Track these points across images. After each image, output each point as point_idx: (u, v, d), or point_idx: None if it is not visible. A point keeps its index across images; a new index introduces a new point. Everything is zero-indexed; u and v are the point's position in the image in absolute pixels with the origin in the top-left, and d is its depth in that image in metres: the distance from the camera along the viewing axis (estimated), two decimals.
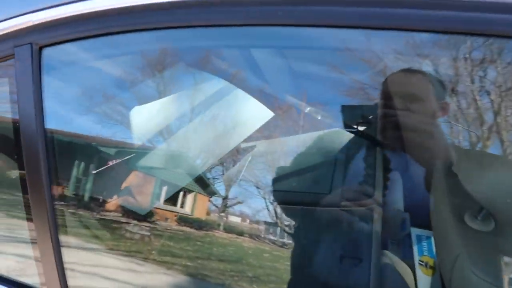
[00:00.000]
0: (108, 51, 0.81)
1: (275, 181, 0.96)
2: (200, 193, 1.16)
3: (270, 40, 0.87)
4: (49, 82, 0.68)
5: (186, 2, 0.63)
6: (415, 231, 0.78)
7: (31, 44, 0.65)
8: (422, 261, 0.75)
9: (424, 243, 0.76)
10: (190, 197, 1.15)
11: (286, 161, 1.00)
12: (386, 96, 0.89)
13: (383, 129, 0.88)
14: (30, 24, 0.63)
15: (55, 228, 0.68)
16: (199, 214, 1.18)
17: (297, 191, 0.94)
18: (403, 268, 0.76)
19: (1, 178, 0.85)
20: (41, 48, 0.66)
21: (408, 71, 0.86)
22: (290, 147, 1.01)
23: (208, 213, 1.20)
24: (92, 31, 0.65)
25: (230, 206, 1.11)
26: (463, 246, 0.69)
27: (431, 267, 0.75)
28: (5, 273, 0.76)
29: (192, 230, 1.14)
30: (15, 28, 0.64)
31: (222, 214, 1.15)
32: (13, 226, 0.84)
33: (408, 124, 0.85)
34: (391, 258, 0.78)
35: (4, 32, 0.65)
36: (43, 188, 0.67)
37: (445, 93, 0.84)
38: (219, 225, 1.15)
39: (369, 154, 0.90)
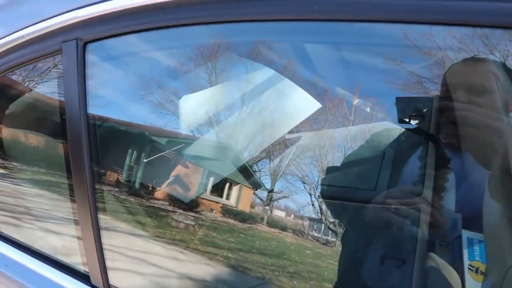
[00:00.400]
0: (146, 46, 0.83)
1: (320, 174, 0.92)
2: (245, 185, 1.15)
3: (327, 35, 0.84)
4: (92, 75, 0.70)
5: None
6: (466, 234, 0.70)
7: (77, 39, 0.68)
8: (472, 266, 0.68)
9: (476, 247, 0.69)
10: (235, 189, 1.14)
11: (332, 155, 0.96)
12: (447, 88, 0.82)
13: (439, 124, 0.81)
14: (76, 20, 0.66)
15: (95, 211, 0.71)
16: (244, 206, 1.17)
17: (342, 186, 0.90)
18: (449, 272, 0.69)
19: (50, 163, 0.89)
20: (85, 44, 0.69)
21: (473, 60, 0.77)
22: (337, 140, 0.97)
23: (252, 206, 1.19)
24: (133, 27, 0.66)
25: (275, 199, 1.09)
26: None
27: (482, 273, 0.68)
28: (52, 253, 0.80)
29: (236, 222, 1.14)
30: (62, 25, 0.67)
31: (267, 207, 1.14)
32: (61, 208, 0.88)
33: (470, 119, 0.77)
34: (437, 261, 0.72)
35: (53, 28, 0.68)
36: (85, 174, 0.69)
37: None
38: (262, 218, 1.13)
39: (420, 150, 0.84)
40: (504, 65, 0.77)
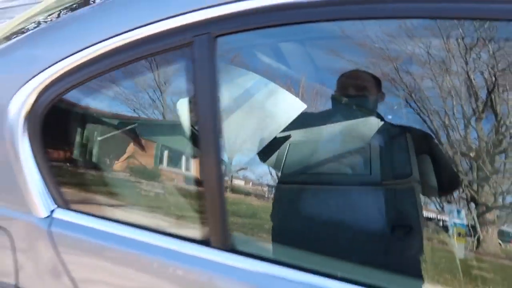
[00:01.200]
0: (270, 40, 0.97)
1: (316, 166, 1.04)
2: None
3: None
4: (221, 67, 0.81)
5: None
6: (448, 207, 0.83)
7: (209, 33, 0.78)
8: (456, 232, 0.80)
9: (456, 217, 0.81)
10: None
11: (325, 148, 1.07)
12: (342, 86, 1.03)
13: None
14: (209, 16, 0.76)
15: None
16: None
17: (340, 173, 1.02)
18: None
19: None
20: (216, 37, 0.80)
21: (357, 70, 1.00)
22: (326, 135, 1.08)
23: None
24: (261, 23, 0.76)
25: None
26: None
27: (463, 236, 0.79)
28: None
29: None
30: (196, 19, 0.77)
31: None
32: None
33: None
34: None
35: (187, 23, 0.78)
36: (216, 166, 0.76)
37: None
38: None
39: (401, 139, 0.98)
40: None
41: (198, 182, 0.82)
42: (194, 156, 0.83)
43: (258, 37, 0.89)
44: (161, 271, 0.82)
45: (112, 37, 0.79)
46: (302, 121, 1.01)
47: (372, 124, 0.97)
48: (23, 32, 0.98)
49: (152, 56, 0.80)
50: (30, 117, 0.85)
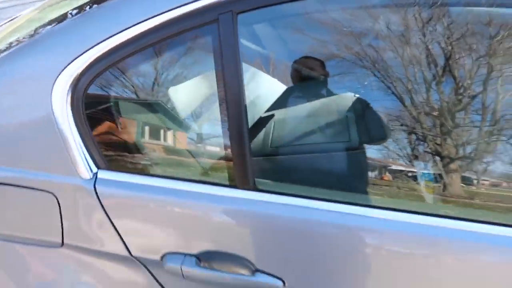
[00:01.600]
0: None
1: (302, 138, 1.20)
2: None
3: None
4: (242, 43, 0.96)
5: None
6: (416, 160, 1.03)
7: (232, 11, 0.92)
8: (424, 182, 1.00)
9: (424, 169, 1.01)
10: None
11: (307, 123, 1.24)
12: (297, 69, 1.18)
13: None
14: None
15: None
16: None
17: (325, 141, 1.20)
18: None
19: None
20: (237, 14, 0.90)
21: (306, 57, 1.15)
22: (307, 112, 1.25)
23: None
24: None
25: None
26: None
27: (431, 185, 0.99)
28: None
29: None
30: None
31: None
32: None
33: None
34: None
35: (212, 2, 0.93)
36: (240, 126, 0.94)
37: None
38: None
39: (370, 111, 1.16)
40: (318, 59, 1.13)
41: (226, 138, 0.99)
42: (223, 119, 0.99)
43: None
44: (197, 213, 0.98)
45: (147, 19, 0.94)
46: (282, 100, 1.17)
47: (346, 98, 1.13)
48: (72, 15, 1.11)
49: (183, 34, 0.95)
50: (74, 90, 1.00)
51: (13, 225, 1.09)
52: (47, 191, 1.04)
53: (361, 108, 1.14)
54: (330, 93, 1.16)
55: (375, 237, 0.93)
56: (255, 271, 0.98)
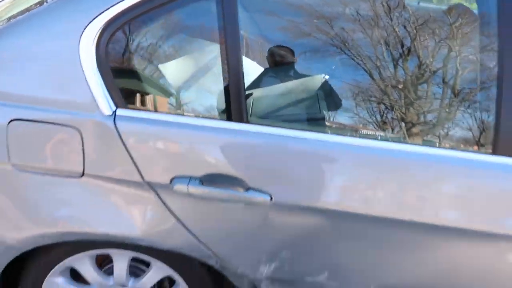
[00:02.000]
0: None
1: (279, 111, 1.44)
2: None
3: None
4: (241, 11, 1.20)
5: None
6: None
7: None
8: None
9: (391, 133, 1.31)
10: None
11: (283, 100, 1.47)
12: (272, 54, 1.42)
13: None
14: None
15: None
16: None
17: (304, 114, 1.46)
18: None
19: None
20: None
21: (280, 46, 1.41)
22: (282, 91, 1.51)
23: None
24: None
25: None
26: None
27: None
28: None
29: None
30: None
31: None
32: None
33: None
34: None
35: None
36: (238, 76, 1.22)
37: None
38: None
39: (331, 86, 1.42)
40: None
41: (225, 80, 1.23)
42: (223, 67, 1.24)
43: None
44: (201, 142, 1.22)
45: None
46: (259, 81, 1.40)
47: (316, 79, 1.41)
48: None
49: None
50: (98, 42, 1.22)
51: (39, 158, 1.28)
52: (72, 127, 1.24)
53: (326, 86, 1.40)
54: (299, 75, 1.43)
55: (333, 156, 1.24)
56: (248, 188, 1.23)
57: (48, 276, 1.49)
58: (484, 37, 1.26)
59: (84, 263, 1.48)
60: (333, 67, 1.41)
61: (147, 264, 1.54)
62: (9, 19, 1.34)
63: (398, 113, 1.31)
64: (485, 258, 1.26)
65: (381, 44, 1.32)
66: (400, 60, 1.32)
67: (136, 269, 1.58)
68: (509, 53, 1.17)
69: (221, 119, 1.26)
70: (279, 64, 1.39)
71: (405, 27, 1.33)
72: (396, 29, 1.32)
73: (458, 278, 1.31)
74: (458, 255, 1.27)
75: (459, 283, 1.32)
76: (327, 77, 1.38)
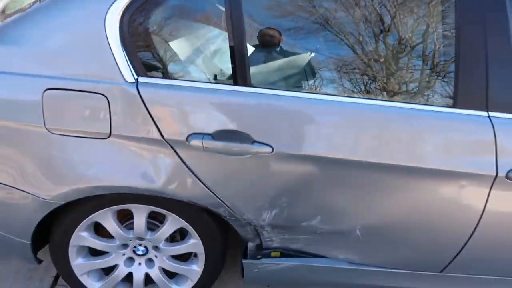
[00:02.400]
0: None
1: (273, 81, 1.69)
2: None
3: None
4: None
5: None
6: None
7: None
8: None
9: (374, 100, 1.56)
10: None
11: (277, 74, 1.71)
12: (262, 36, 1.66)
13: None
14: None
15: None
16: None
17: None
18: None
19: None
20: None
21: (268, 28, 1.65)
22: (275, 67, 1.74)
23: None
24: None
25: None
26: None
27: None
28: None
29: None
30: None
31: None
32: None
33: None
34: None
35: None
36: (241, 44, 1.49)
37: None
38: None
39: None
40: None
41: (232, 49, 1.46)
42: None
43: None
44: (212, 103, 1.44)
45: None
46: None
47: (304, 56, 1.66)
48: None
49: None
50: (122, 18, 1.44)
51: (71, 122, 1.48)
52: (100, 93, 1.44)
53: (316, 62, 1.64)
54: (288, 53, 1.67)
55: (319, 109, 1.49)
56: (253, 142, 1.46)
57: (75, 230, 1.69)
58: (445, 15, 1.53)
59: (107, 218, 1.69)
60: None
61: (161, 222, 1.76)
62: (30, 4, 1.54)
63: (378, 76, 1.56)
64: (449, 193, 1.54)
65: (363, 21, 1.56)
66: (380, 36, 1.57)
67: (152, 225, 1.80)
68: (463, 26, 1.45)
69: (229, 84, 1.48)
70: (270, 44, 1.64)
71: (385, 6, 1.56)
72: (377, 8, 1.55)
73: (427, 214, 1.58)
74: (424, 194, 1.54)
75: (427, 220, 1.59)
76: (313, 54, 1.63)
